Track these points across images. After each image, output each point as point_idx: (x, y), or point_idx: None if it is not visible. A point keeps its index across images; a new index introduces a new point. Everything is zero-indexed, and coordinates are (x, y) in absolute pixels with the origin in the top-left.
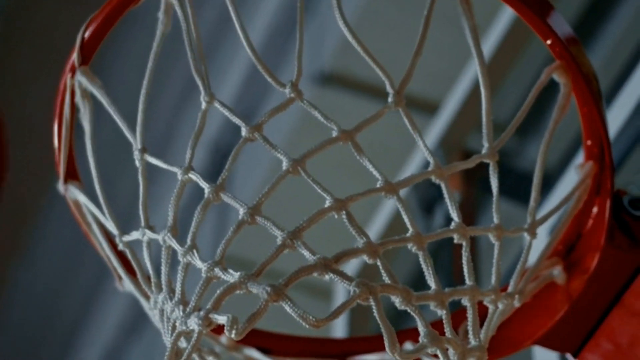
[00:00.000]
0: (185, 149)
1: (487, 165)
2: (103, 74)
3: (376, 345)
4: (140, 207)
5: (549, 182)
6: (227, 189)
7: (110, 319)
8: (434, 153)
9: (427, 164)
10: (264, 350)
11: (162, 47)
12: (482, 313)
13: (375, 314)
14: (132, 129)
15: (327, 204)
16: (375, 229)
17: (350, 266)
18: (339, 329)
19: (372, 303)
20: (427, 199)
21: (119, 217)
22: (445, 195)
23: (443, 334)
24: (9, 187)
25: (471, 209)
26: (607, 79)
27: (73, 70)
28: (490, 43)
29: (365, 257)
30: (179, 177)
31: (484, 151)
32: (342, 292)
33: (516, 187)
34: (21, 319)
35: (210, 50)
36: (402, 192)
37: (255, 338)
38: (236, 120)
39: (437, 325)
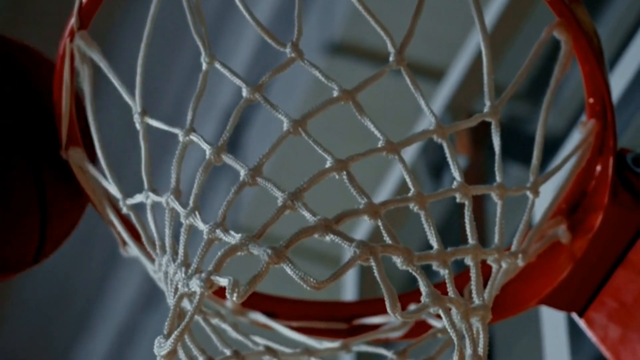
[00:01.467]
0: (196, 118)
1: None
2: (115, 43)
3: (383, 307)
4: (143, 169)
5: (556, 146)
6: (241, 157)
7: (124, 294)
8: (439, 116)
9: (432, 138)
10: (270, 314)
11: (174, 18)
12: (487, 275)
13: (376, 274)
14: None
15: (328, 164)
16: (383, 195)
17: (360, 232)
18: (349, 293)
19: (373, 264)
20: (435, 163)
21: (133, 185)
22: (447, 154)
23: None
24: None
25: (480, 174)
26: (613, 42)
27: (72, 35)
28: (496, 7)
29: (366, 218)
30: (180, 139)
31: (485, 110)
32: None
33: (528, 152)
34: (35, 296)
35: (220, 25)
36: (411, 157)
37: (261, 302)
38: (237, 81)
39: (442, 286)
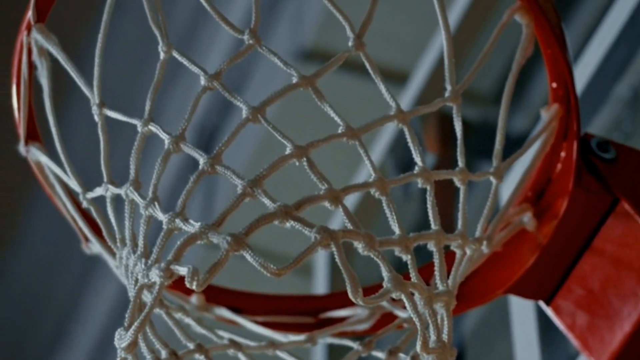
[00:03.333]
0: (174, 119)
1: (465, 127)
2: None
3: (349, 300)
4: (102, 162)
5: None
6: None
7: (101, 305)
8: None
9: (401, 131)
10: (236, 310)
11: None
12: (453, 262)
13: (337, 260)
14: (128, 93)
15: (288, 151)
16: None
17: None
18: (320, 288)
19: (334, 249)
20: (404, 162)
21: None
22: (408, 139)
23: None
24: None
25: None
26: (578, 32)
27: (29, 28)
28: (459, 7)
29: (327, 204)
30: (139, 129)
31: (447, 94)
32: (322, 267)
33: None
34: (12, 308)
35: (194, 28)
36: (379, 155)
37: (226, 297)
38: (195, 70)
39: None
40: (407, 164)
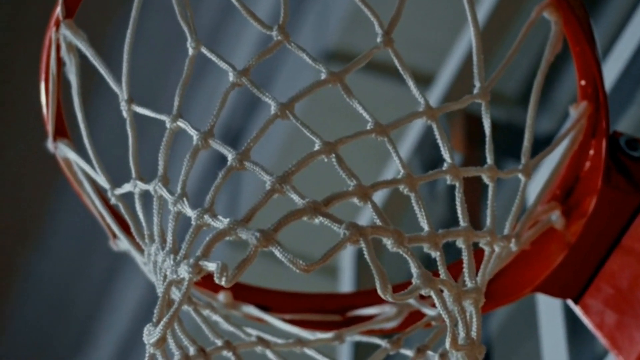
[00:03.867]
0: (202, 116)
1: (490, 127)
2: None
3: (377, 298)
4: (131, 158)
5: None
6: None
7: (125, 305)
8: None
9: (426, 131)
10: (263, 308)
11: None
12: (481, 260)
13: (366, 256)
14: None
15: (317, 147)
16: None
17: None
18: (345, 287)
19: (363, 245)
20: (430, 161)
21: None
22: (437, 135)
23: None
24: (19, 177)
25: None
26: (605, 32)
27: (57, 24)
28: (485, 7)
29: (356, 200)
30: (168, 125)
31: (475, 91)
32: (347, 268)
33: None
34: (36, 310)
35: (220, 24)
36: (406, 154)
37: (253, 295)
38: (224, 66)
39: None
40: (433, 164)
